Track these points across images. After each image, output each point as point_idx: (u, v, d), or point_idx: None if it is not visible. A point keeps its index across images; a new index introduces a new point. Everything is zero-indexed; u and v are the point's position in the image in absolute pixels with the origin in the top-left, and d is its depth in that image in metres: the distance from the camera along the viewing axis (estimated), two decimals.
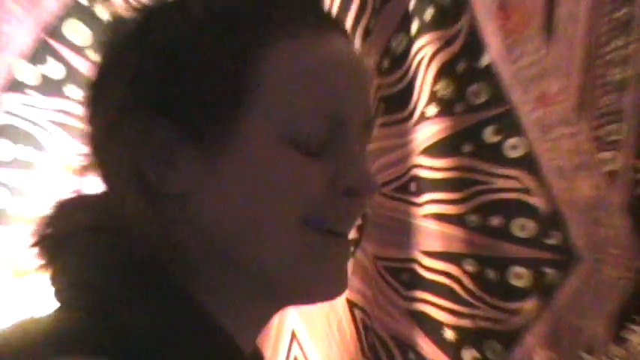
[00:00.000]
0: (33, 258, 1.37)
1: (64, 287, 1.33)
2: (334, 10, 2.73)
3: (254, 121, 1.26)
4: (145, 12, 1.38)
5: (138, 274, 1.29)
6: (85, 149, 1.36)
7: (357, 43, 2.64)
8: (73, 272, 1.32)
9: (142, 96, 1.28)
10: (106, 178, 1.34)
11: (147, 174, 1.29)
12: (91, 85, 1.36)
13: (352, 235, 2.61)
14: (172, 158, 1.29)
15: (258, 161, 1.27)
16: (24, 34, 2.72)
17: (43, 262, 1.34)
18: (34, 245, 1.35)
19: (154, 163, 1.29)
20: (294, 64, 1.29)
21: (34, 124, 2.74)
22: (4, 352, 1.27)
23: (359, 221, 2.57)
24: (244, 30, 1.30)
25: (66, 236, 1.34)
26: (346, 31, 1.40)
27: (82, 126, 1.37)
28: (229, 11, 1.31)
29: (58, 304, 1.33)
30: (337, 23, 1.38)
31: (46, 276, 1.36)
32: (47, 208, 1.38)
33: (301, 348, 2.70)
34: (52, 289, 1.34)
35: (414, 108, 2.64)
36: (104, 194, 1.34)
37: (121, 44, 1.34)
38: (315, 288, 1.34)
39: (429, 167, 2.63)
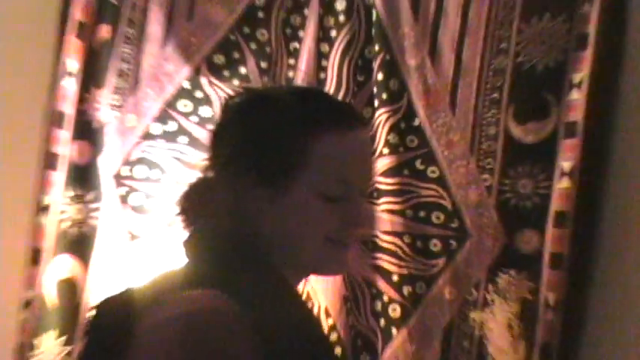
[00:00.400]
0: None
1: (197, 249, 1.69)
2: (332, 90, 3.31)
3: (302, 181, 1.64)
4: (248, 97, 1.76)
5: (243, 248, 1.67)
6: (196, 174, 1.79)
7: None
8: (206, 240, 1.69)
9: (241, 154, 1.67)
10: (215, 192, 1.72)
11: (239, 194, 1.66)
12: (212, 139, 1.77)
13: None
14: (255, 193, 1.67)
15: (302, 204, 1.66)
16: (155, 106, 3.47)
17: (183, 227, 1.74)
18: (179, 214, 1.75)
19: (245, 192, 1.67)
20: (330, 151, 1.65)
21: (159, 157, 3.45)
22: (155, 288, 1.65)
23: None
24: (307, 126, 1.65)
25: (200, 213, 1.72)
26: (366, 123, 1.81)
27: (187, 161, 1.93)
28: (299, 113, 1.67)
29: (187, 260, 1.70)
30: (362, 119, 1.77)
31: (174, 238, 1.85)
32: (183, 189, 1.77)
33: (310, 283, 3.30)
34: (185, 248, 1.71)
35: (376, 149, 3.25)
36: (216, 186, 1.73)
37: (230, 119, 1.75)
38: (331, 271, 1.87)
39: (384, 183, 3.25)
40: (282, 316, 1.58)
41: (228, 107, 1.77)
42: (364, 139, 1.79)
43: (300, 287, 3.05)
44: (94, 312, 1.67)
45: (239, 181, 1.66)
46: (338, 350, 3.26)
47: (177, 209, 1.74)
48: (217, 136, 1.75)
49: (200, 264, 1.65)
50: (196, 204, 1.72)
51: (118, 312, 1.60)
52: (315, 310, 3.28)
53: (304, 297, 3.28)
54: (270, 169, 1.66)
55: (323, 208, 1.67)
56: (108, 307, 1.66)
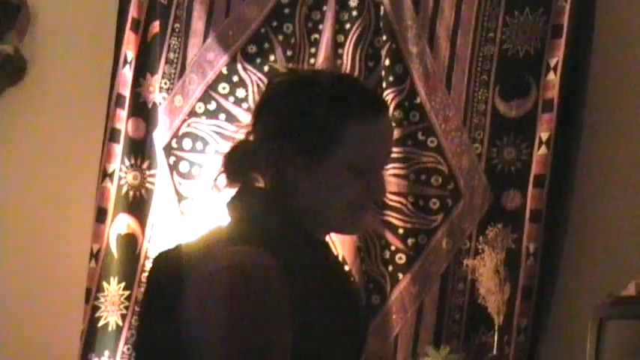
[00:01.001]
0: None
1: (239, 209, 1.64)
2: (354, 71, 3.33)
3: (335, 155, 1.60)
4: (295, 78, 1.73)
5: (280, 210, 1.63)
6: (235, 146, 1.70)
7: None
8: (247, 202, 1.64)
9: (285, 126, 1.62)
10: (257, 157, 1.65)
11: (280, 159, 1.61)
12: (257, 109, 1.70)
13: None
14: (294, 161, 1.62)
15: (333, 174, 1.61)
16: (199, 89, 3.52)
17: (226, 184, 1.67)
18: (223, 170, 1.67)
19: (286, 159, 1.62)
20: (361, 131, 1.61)
21: (202, 132, 3.51)
22: (203, 243, 1.60)
23: None
24: (343, 108, 1.62)
25: (242, 173, 1.66)
26: (388, 107, 1.78)
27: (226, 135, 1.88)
28: (338, 95, 1.62)
29: (230, 218, 1.65)
30: (386, 104, 1.71)
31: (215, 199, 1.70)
32: (227, 149, 1.71)
33: (330, 236, 3.31)
34: (228, 208, 1.66)
35: None
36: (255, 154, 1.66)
37: (276, 94, 1.68)
38: (349, 231, 1.79)
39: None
40: (313, 270, 1.56)
41: (274, 84, 1.73)
42: (388, 122, 1.77)
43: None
44: (151, 265, 1.66)
45: (280, 150, 1.62)
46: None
47: (222, 166, 1.70)
48: (263, 107, 1.70)
49: (242, 223, 1.62)
50: (238, 164, 1.68)
51: (172, 265, 1.59)
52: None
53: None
54: (310, 142, 1.62)
55: (350, 178, 1.63)
56: (163, 260, 1.64)
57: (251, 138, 1.70)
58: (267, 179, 1.66)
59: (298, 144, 1.63)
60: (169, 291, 1.55)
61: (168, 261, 1.63)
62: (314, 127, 1.63)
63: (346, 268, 3.28)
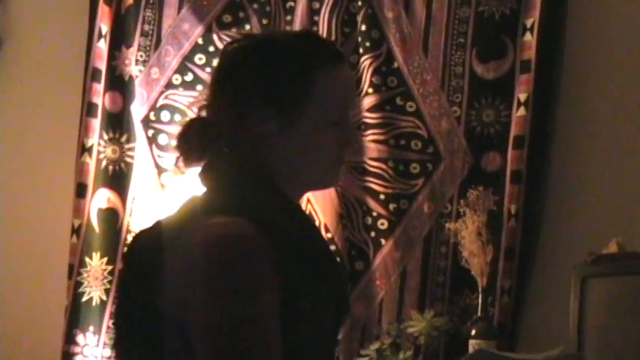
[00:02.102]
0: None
1: (214, 179, 1.62)
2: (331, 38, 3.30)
3: (309, 109, 1.60)
4: (252, 41, 1.69)
5: (252, 175, 1.61)
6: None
7: None
8: (220, 170, 1.62)
9: (251, 94, 1.59)
10: (212, 138, 1.61)
11: (254, 124, 1.59)
12: (215, 83, 1.66)
13: None
14: (269, 122, 1.60)
15: (312, 131, 1.61)
16: (175, 60, 3.52)
17: (184, 165, 1.65)
18: (181, 154, 1.64)
19: (259, 122, 1.59)
20: (329, 82, 1.61)
21: (180, 103, 3.50)
22: (181, 216, 1.60)
23: None
24: (309, 63, 1.61)
25: (205, 149, 1.63)
26: (346, 59, 1.74)
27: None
28: (301, 52, 1.62)
29: (204, 188, 1.63)
30: (344, 56, 1.72)
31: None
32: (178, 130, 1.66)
33: (312, 205, 3.32)
34: (202, 178, 1.63)
35: (362, 89, 3.28)
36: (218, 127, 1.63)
37: (235, 61, 1.64)
38: (329, 185, 1.77)
39: (370, 117, 3.28)
40: (294, 236, 1.56)
41: (229, 51, 1.69)
42: (349, 70, 1.80)
43: (303, 206, 3.14)
44: (130, 244, 1.66)
45: (249, 118, 1.60)
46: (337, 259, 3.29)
47: (177, 147, 1.66)
48: (223, 77, 1.67)
49: (218, 192, 1.60)
50: (195, 143, 1.63)
51: (151, 242, 1.58)
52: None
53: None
54: (283, 102, 1.61)
55: (328, 132, 1.64)
56: (142, 238, 1.63)
57: (204, 113, 1.68)
58: (233, 150, 1.63)
59: (270, 106, 1.62)
60: (150, 269, 1.54)
61: (147, 238, 1.61)
62: (284, 85, 1.62)
63: (328, 235, 3.31)
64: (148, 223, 1.63)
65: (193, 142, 1.64)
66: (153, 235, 1.60)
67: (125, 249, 1.68)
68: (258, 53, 1.66)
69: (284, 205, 1.63)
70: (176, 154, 1.66)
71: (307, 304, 1.53)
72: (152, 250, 1.56)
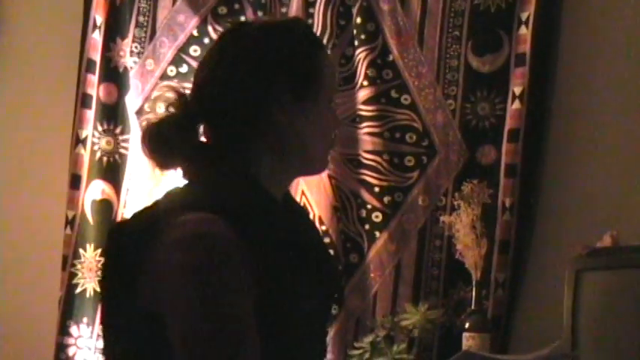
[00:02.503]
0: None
1: (193, 174, 1.61)
2: (318, 34, 3.29)
3: (323, 90, 1.63)
4: (256, 27, 1.67)
5: (231, 170, 1.60)
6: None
7: (329, 50, 3.18)
8: (201, 165, 1.60)
9: (277, 72, 1.58)
10: (223, 103, 1.57)
11: (269, 110, 1.57)
12: (228, 60, 1.60)
13: None
14: (286, 107, 1.59)
15: (323, 111, 1.64)
16: (170, 52, 3.51)
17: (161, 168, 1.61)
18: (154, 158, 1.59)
19: (275, 106, 1.58)
20: (326, 61, 1.66)
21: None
22: (155, 212, 1.57)
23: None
24: (314, 44, 1.66)
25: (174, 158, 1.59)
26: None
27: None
28: (306, 32, 1.67)
29: (186, 181, 1.61)
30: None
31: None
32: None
33: (306, 197, 3.33)
34: (185, 174, 1.62)
35: (357, 82, 3.30)
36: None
37: (247, 41, 1.61)
38: (321, 168, 1.75)
39: (365, 110, 3.30)
40: (272, 231, 1.55)
41: (235, 37, 1.64)
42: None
43: (298, 199, 3.16)
44: (107, 237, 1.63)
45: (266, 101, 1.59)
46: (330, 252, 3.26)
47: (150, 152, 1.60)
48: (229, 63, 1.60)
49: (196, 186, 1.59)
50: (179, 141, 1.58)
51: (129, 235, 1.56)
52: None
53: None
54: (301, 84, 1.61)
55: (330, 111, 1.68)
56: (118, 232, 1.62)
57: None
58: (217, 144, 1.62)
59: (296, 88, 1.61)
60: (128, 265, 1.53)
61: (125, 233, 1.59)
62: (307, 67, 1.63)
63: (322, 227, 3.31)
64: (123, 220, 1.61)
65: (174, 142, 1.59)
66: (130, 230, 1.59)
67: (105, 243, 1.62)
68: (268, 36, 1.64)
69: (263, 200, 1.61)
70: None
71: (289, 298, 1.52)
72: (130, 245, 1.55)
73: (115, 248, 1.60)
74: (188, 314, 1.45)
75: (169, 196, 1.61)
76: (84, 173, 3.54)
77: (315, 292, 1.59)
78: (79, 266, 3.50)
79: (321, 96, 1.64)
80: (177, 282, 1.47)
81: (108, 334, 1.62)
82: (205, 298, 1.44)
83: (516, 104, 3.13)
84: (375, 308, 3.28)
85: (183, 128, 1.59)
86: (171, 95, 1.62)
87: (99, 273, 3.45)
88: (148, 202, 1.61)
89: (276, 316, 1.50)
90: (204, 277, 1.45)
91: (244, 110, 1.60)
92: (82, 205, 3.51)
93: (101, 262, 1.70)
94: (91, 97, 3.55)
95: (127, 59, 3.56)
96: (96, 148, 3.55)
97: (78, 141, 3.54)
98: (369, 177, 3.33)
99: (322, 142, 1.68)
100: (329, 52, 3.25)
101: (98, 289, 3.47)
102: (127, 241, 1.56)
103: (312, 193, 3.38)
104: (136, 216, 1.62)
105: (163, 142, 1.58)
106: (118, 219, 3.50)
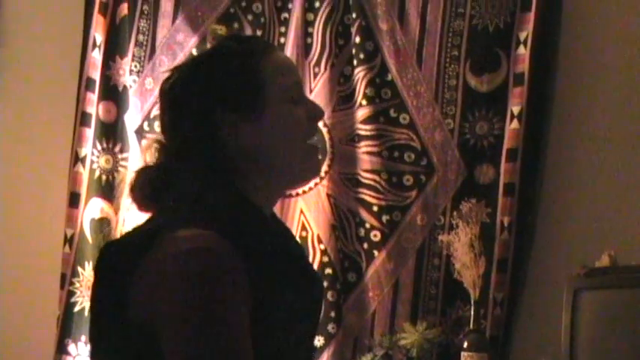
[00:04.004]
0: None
1: (178, 195, 1.61)
2: (317, 53, 3.38)
3: (271, 95, 1.62)
4: (190, 64, 1.69)
5: (219, 187, 1.60)
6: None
7: (327, 70, 3.33)
8: (186, 186, 1.61)
9: (216, 100, 1.60)
10: (187, 148, 1.61)
11: (226, 139, 1.59)
12: (170, 102, 1.65)
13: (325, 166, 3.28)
14: (239, 128, 1.60)
15: (279, 114, 1.63)
16: None
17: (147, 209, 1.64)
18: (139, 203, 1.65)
19: (230, 133, 1.60)
20: (274, 65, 1.65)
21: None
22: (148, 230, 1.57)
23: (330, 156, 3.30)
24: (250, 56, 1.64)
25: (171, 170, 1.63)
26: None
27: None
28: (239, 52, 1.65)
29: (169, 200, 1.61)
30: (276, 47, 1.82)
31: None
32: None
33: (305, 216, 3.35)
34: (162, 198, 1.62)
35: (356, 101, 3.32)
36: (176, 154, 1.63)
37: (177, 86, 1.64)
38: (310, 175, 1.75)
39: (363, 129, 3.31)
40: (263, 247, 1.56)
41: (167, 88, 1.67)
42: (283, 54, 1.83)
43: (296, 217, 3.29)
44: (98, 255, 1.62)
45: (219, 128, 1.62)
46: (329, 270, 3.33)
47: (138, 200, 1.66)
48: (173, 108, 1.66)
49: (185, 205, 1.59)
50: (149, 191, 1.64)
51: (121, 253, 1.57)
52: (309, 238, 3.35)
53: (299, 226, 3.36)
54: (242, 101, 1.62)
55: (293, 109, 1.66)
56: (110, 251, 1.61)
57: (152, 162, 1.67)
58: (197, 168, 1.63)
59: (235, 109, 1.63)
60: (120, 281, 1.53)
61: (115, 250, 1.60)
62: (238, 84, 1.64)
63: (321, 246, 3.34)
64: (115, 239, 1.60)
65: (145, 191, 1.64)
66: (122, 247, 1.60)
67: (96, 261, 1.63)
68: (197, 72, 1.66)
69: (253, 215, 1.63)
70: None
71: (278, 314, 1.53)
72: (121, 261, 1.55)
73: (105, 264, 1.59)
74: (183, 327, 1.45)
75: (162, 212, 1.62)
76: (83, 191, 3.55)
77: (303, 308, 1.61)
78: (77, 284, 3.50)
79: (271, 102, 1.64)
80: (171, 294, 1.47)
81: (96, 349, 1.62)
82: (201, 310, 1.45)
83: (514, 124, 3.15)
84: (373, 327, 3.28)
85: (153, 180, 1.65)
86: (156, 145, 1.69)
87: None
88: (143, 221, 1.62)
89: (266, 330, 1.51)
90: (200, 289, 1.46)
91: (197, 143, 1.63)
92: (81, 223, 3.52)
93: (92, 278, 1.66)
94: (90, 115, 3.56)
95: (127, 78, 3.58)
96: (95, 166, 3.56)
97: (77, 159, 3.55)
98: (367, 196, 3.33)
99: (291, 147, 1.67)
100: (327, 71, 3.37)
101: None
102: (118, 257, 1.56)
103: (310, 211, 3.39)
104: (128, 233, 1.63)
105: (137, 192, 1.65)
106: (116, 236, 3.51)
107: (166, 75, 1.70)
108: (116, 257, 1.56)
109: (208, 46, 3.49)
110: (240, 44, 1.70)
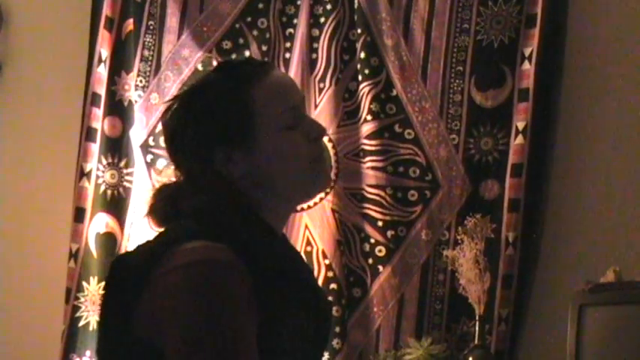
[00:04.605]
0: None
1: (189, 210, 1.63)
2: (322, 68, 3.40)
3: (261, 127, 1.64)
4: (182, 97, 1.72)
5: (229, 203, 1.64)
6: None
7: (332, 86, 3.34)
8: (196, 202, 1.63)
9: (207, 136, 1.64)
10: (194, 176, 1.66)
11: (221, 170, 1.63)
12: (170, 135, 1.71)
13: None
14: (232, 160, 1.64)
15: (274, 144, 1.64)
16: (175, 86, 3.51)
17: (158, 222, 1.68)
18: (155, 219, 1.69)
19: (223, 165, 1.64)
20: (266, 93, 1.65)
21: None
22: (159, 243, 1.60)
23: (335, 171, 3.31)
24: (238, 87, 1.65)
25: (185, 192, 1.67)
26: (275, 66, 1.78)
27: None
28: (227, 83, 1.67)
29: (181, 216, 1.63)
30: (272, 64, 1.82)
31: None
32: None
33: (309, 231, 3.35)
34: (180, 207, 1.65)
35: (361, 116, 3.34)
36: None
37: (174, 118, 1.69)
38: (320, 187, 1.77)
39: (368, 144, 3.31)
40: (272, 262, 1.58)
41: (167, 118, 1.73)
42: (281, 73, 1.83)
43: (301, 233, 3.30)
44: (109, 268, 1.65)
45: (212, 162, 1.65)
46: (334, 285, 3.33)
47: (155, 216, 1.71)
48: (171, 141, 1.72)
49: (195, 220, 1.62)
50: (165, 210, 1.69)
51: (134, 263, 1.59)
52: (314, 253, 3.36)
53: (304, 241, 3.37)
54: (231, 134, 1.65)
55: (288, 136, 1.67)
56: (121, 263, 1.64)
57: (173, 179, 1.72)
58: (206, 189, 1.66)
59: (224, 142, 1.65)
60: (128, 294, 1.54)
61: (125, 263, 1.61)
62: (225, 118, 1.66)
63: (326, 261, 3.34)
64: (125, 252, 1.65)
65: (160, 209, 1.68)
66: (132, 260, 1.61)
67: (107, 273, 1.65)
68: (192, 102, 1.69)
69: (263, 232, 1.64)
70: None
71: (285, 334, 1.54)
72: (130, 274, 1.57)
73: (115, 277, 1.61)
74: (186, 340, 1.46)
75: (173, 227, 1.63)
76: (88, 206, 3.55)
77: (310, 325, 1.62)
78: (82, 299, 3.51)
79: (262, 131, 1.66)
80: (175, 306, 1.49)
81: None
82: (206, 323, 1.46)
83: (519, 139, 3.16)
84: (378, 343, 3.28)
85: (169, 199, 1.69)
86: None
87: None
88: (152, 236, 1.64)
89: (273, 346, 1.52)
90: (206, 302, 1.47)
91: (196, 171, 1.67)
92: (86, 238, 3.52)
93: (101, 293, 1.68)
94: (95, 130, 3.58)
95: (132, 93, 3.59)
96: (100, 181, 3.57)
97: (82, 174, 3.55)
98: (372, 211, 3.34)
99: (293, 171, 1.68)
100: (332, 86, 3.38)
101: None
102: (128, 271, 1.58)
103: (315, 226, 3.39)
104: (138, 247, 1.64)
105: (154, 212, 1.70)
106: (122, 252, 3.50)
107: (168, 103, 1.74)
108: (125, 271, 1.58)
109: (214, 62, 3.51)
110: (230, 73, 1.71)
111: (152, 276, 1.53)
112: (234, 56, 3.53)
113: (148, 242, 1.63)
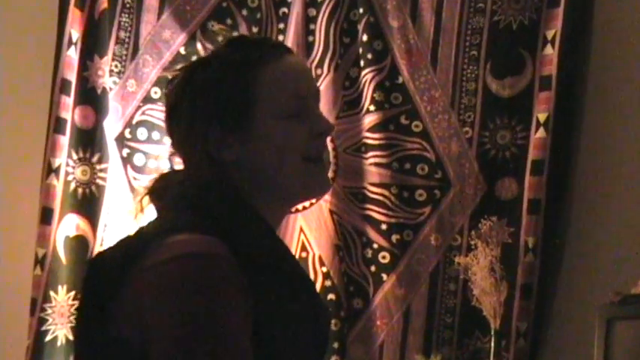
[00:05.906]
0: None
1: (176, 200, 1.65)
2: (320, 53, 3.40)
3: (260, 112, 1.66)
4: (190, 67, 1.74)
5: (219, 193, 1.65)
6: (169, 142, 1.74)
7: (331, 72, 3.35)
8: (185, 191, 1.65)
9: (203, 112, 1.66)
10: (187, 158, 1.69)
11: (212, 152, 1.65)
12: (169, 108, 1.72)
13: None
14: (225, 143, 1.65)
15: (269, 131, 1.66)
16: (154, 72, 3.53)
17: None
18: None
19: (216, 147, 1.65)
20: (272, 77, 1.67)
21: (159, 120, 3.46)
22: (141, 237, 1.59)
23: (333, 167, 3.30)
24: (244, 67, 1.67)
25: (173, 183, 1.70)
26: (293, 51, 1.76)
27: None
28: (233, 60, 1.68)
29: (163, 208, 1.67)
30: (288, 48, 1.78)
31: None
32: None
33: (305, 235, 3.35)
34: (162, 198, 1.68)
35: (363, 106, 3.34)
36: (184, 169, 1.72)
37: (176, 94, 1.70)
38: (315, 191, 1.79)
39: (371, 138, 3.32)
40: (265, 255, 1.59)
41: (170, 90, 1.75)
42: (296, 59, 1.82)
43: (295, 236, 3.29)
44: (87, 267, 1.64)
45: (206, 141, 1.67)
46: (332, 296, 3.32)
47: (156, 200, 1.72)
48: (169, 116, 1.73)
49: (182, 211, 1.63)
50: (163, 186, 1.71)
51: (111, 262, 1.58)
52: (310, 260, 3.36)
53: (298, 246, 3.37)
54: (228, 116, 1.67)
55: (288, 126, 1.68)
56: (100, 259, 1.64)
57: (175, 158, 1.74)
58: (204, 173, 1.68)
59: (220, 123, 1.66)
60: (109, 292, 1.55)
61: (103, 260, 1.62)
62: (225, 98, 1.67)
63: (323, 269, 3.34)
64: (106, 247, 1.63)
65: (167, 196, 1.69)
66: (112, 257, 1.60)
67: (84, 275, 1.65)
68: (196, 75, 1.70)
69: (259, 225, 1.66)
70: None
71: (281, 324, 1.56)
72: (112, 272, 1.56)
73: (91, 277, 1.61)
74: (172, 341, 1.46)
75: (155, 222, 1.64)
76: (56, 206, 3.53)
77: (307, 319, 1.62)
78: (49, 311, 3.48)
79: (260, 118, 1.68)
80: (161, 304, 1.49)
81: None
82: (194, 322, 1.47)
83: (540, 132, 3.13)
84: None
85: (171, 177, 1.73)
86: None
87: (72, 318, 3.46)
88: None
89: (270, 344, 1.54)
90: (194, 298, 1.48)
91: (189, 153, 1.70)
92: (54, 241, 3.49)
93: (79, 295, 1.67)
94: (65, 121, 3.55)
95: (106, 79, 3.57)
96: (70, 178, 3.54)
97: (50, 170, 3.53)
98: (375, 213, 3.33)
99: (283, 165, 1.69)
100: (331, 73, 3.37)
101: (70, 337, 3.45)
102: (106, 267, 1.58)
103: (311, 230, 3.39)
104: (119, 241, 1.63)
105: (158, 198, 1.70)
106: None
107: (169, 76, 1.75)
108: (103, 268, 1.58)
109: (198, 45, 3.50)
110: (240, 50, 1.71)
111: (131, 273, 1.53)
112: (220, 39, 3.49)
113: (129, 237, 1.63)
